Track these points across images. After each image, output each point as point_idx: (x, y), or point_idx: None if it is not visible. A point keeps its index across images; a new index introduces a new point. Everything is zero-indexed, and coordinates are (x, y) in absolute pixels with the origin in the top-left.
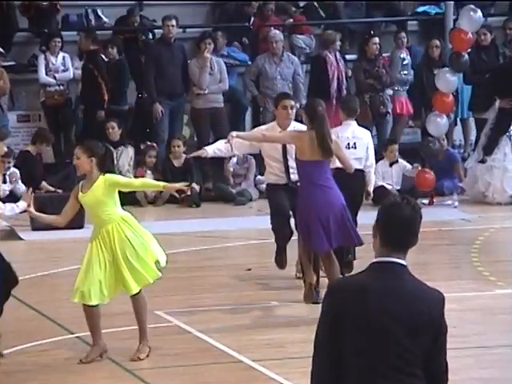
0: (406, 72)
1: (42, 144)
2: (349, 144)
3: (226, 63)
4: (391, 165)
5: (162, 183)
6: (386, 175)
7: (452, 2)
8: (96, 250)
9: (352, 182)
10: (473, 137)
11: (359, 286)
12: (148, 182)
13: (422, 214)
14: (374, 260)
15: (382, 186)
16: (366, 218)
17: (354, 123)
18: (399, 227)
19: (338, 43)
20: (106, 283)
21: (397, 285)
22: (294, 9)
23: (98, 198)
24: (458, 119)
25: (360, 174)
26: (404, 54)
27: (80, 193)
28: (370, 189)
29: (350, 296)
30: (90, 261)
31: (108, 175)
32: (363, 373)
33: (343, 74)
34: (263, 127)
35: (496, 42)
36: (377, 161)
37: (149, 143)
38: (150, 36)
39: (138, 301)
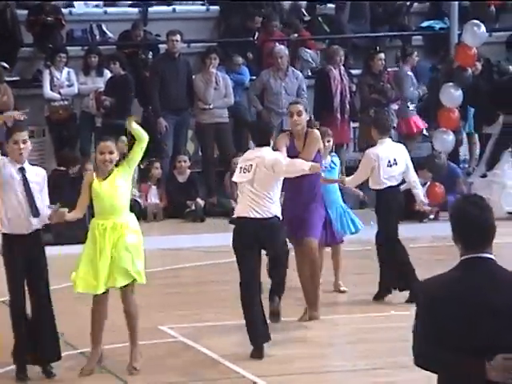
0: (412, 88)
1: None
2: (389, 161)
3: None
4: (423, 185)
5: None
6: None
7: (456, 17)
8: (100, 240)
9: (394, 195)
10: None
11: (453, 279)
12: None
13: (489, 204)
14: (463, 258)
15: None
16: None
17: (388, 140)
18: (475, 227)
19: (342, 58)
20: (102, 272)
21: (489, 275)
22: (299, 23)
23: (117, 186)
24: (465, 134)
25: (398, 189)
26: (410, 71)
27: (95, 181)
28: (421, 198)
29: (445, 289)
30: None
31: (120, 162)
32: (461, 362)
33: (347, 89)
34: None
35: (497, 57)
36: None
37: (148, 161)
38: (151, 54)
39: (132, 296)
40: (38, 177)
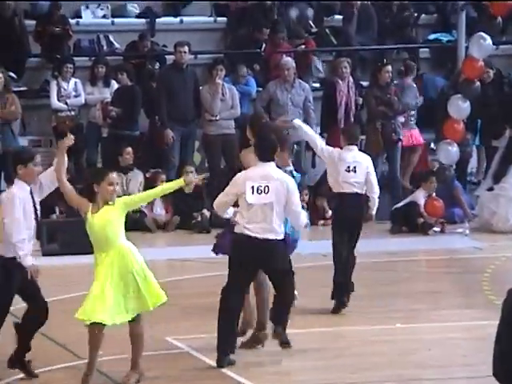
0: (414, 101)
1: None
2: (349, 167)
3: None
4: (428, 196)
5: (180, 179)
6: (421, 208)
7: (464, 30)
8: (105, 271)
9: (352, 204)
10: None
11: None
12: (166, 186)
13: None
14: None
15: (412, 203)
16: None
17: (355, 148)
18: None
19: (347, 70)
20: (117, 305)
21: None
22: (306, 34)
23: (108, 218)
24: (474, 146)
25: (359, 198)
26: (413, 84)
27: (89, 213)
28: (373, 212)
29: None
30: (101, 283)
31: (117, 199)
32: None
33: (352, 101)
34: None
35: (504, 70)
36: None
37: (153, 170)
38: (157, 65)
39: (140, 324)
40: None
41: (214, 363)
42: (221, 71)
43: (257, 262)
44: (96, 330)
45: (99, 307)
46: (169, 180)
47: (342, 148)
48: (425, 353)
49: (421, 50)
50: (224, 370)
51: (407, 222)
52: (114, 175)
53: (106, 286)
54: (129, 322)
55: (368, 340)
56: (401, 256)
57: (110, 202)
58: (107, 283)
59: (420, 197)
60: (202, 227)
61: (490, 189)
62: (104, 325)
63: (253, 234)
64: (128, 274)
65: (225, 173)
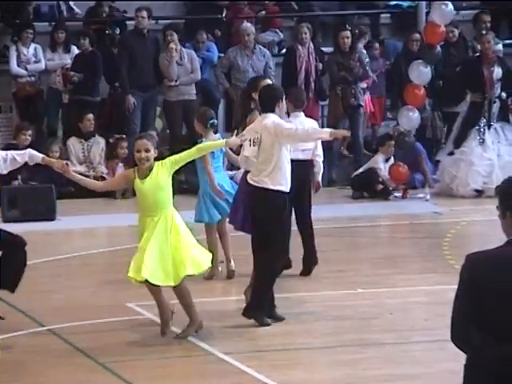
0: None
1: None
2: None
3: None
4: (387, 160)
5: (221, 141)
6: (380, 172)
7: None
8: (153, 232)
9: (299, 172)
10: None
11: (499, 257)
12: (206, 145)
13: None
14: None
15: (371, 169)
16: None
17: (301, 114)
18: None
19: (307, 36)
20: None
21: None
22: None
23: (159, 182)
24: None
25: (307, 165)
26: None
27: (137, 180)
28: (318, 178)
29: (491, 267)
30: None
31: (163, 160)
32: (504, 341)
33: (312, 67)
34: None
35: (465, 36)
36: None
37: (117, 136)
38: (118, 31)
39: (183, 287)
40: None
41: (175, 329)
42: (171, 36)
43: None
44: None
45: (146, 265)
46: (130, 147)
47: (289, 114)
48: (387, 317)
49: (382, 15)
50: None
51: (368, 187)
52: (142, 141)
53: (152, 247)
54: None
55: (331, 305)
56: (362, 221)
57: (148, 166)
58: (154, 243)
59: (379, 161)
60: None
61: (451, 153)
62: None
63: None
64: (173, 238)
65: (186, 139)
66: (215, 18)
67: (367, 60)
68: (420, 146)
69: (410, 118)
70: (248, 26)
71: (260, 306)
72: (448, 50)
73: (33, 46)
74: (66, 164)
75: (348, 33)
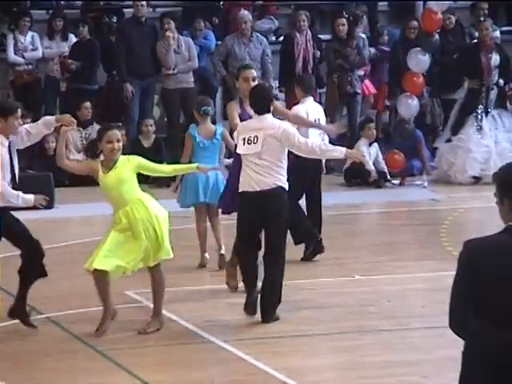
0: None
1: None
2: (315, 120)
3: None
4: (370, 145)
5: (194, 165)
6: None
7: None
8: (115, 229)
9: (314, 161)
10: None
11: (497, 243)
12: (179, 167)
13: None
14: (510, 223)
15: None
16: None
17: (311, 99)
18: None
19: (305, 23)
20: (119, 253)
21: None
22: None
23: (121, 177)
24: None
25: None
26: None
27: (100, 172)
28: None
29: (489, 253)
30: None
31: (132, 156)
32: (502, 328)
33: (310, 54)
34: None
35: (462, 23)
36: (355, 141)
37: (113, 124)
38: (115, 19)
39: (161, 273)
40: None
41: (174, 317)
42: (168, 24)
43: (257, 216)
44: (96, 275)
45: (101, 255)
46: (128, 134)
47: (297, 102)
48: (384, 304)
49: (380, 2)
50: (183, 322)
51: (360, 178)
52: (112, 132)
53: (112, 236)
54: (148, 269)
55: (329, 292)
56: (360, 209)
57: (116, 158)
58: (113, 233)
59: (361, 146)
60: (161, 181)
61: (449, 140)
62: (104, 271)
63: (246, 189)
64: (143, 224)
65: (183, 127)
66: (212, 5)
67: (366, 47)
68: (420, 133)
69: (409, 106)
70: (245, 13)
71: (276, 308)
72: (445, 37)
73: (30, 34)
74: (72, 121)
75: (344, 20)
